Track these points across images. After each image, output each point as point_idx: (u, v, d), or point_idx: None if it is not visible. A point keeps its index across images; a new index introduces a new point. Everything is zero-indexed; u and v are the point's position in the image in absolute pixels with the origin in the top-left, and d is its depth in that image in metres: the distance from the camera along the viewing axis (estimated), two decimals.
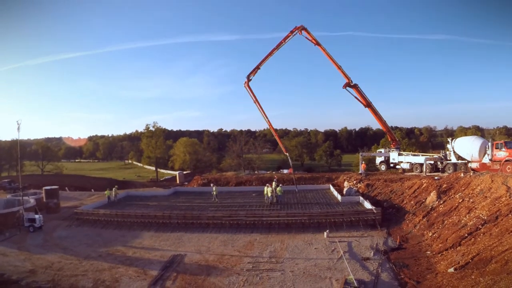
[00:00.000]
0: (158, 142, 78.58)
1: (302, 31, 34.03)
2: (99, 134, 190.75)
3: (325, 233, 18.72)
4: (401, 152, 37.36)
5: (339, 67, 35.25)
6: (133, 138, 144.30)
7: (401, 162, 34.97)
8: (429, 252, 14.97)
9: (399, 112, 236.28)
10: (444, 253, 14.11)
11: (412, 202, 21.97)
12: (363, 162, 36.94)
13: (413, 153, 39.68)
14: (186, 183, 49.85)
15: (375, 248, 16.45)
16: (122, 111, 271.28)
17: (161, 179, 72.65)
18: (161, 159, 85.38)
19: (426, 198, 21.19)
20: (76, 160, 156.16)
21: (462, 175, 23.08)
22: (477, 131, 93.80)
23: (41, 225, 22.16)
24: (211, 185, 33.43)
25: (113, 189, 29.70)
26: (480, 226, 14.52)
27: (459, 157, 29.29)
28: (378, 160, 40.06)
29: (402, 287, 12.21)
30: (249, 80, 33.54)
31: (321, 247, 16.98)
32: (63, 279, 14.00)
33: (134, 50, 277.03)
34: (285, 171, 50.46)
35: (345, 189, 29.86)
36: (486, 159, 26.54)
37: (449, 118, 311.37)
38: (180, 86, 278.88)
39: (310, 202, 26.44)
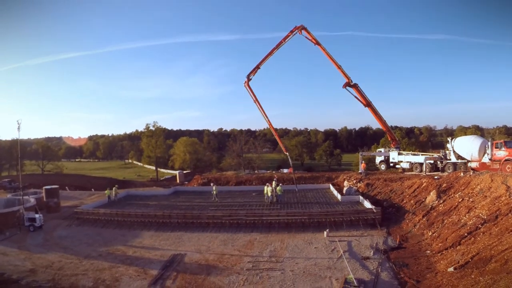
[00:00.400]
0: (158, 142, 78.63)
1: (302, 31, 34.06)
2: (99, 133, 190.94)
3: (325, 232, 18.73)
4: (401, 151, 37.39)
5: (339, 67, 35.29)
6: (133, 138, 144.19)
7: (401, 161, 34.99)
8: (429, 252, 14.99)
9: (399, 112, 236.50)
10: (444, 252, 14.12)
11: (412, 202, 21.98)
12: (363, 161, 36.97)
13: (413, 152, 39.72)
14: (186, 182, 49.82)
15: (375, 247, 16.46)
16: (122, 111, 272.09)
17: (161, 179, 72.67)
18: (161, 159, 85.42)
19: (426, 198, 21.20)
20: (77, 160, 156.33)
21: (461, 174, 23.09)
22: (477, 130, 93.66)
23: (41, 225, 22.18)
24: (211, 184, 33.44)
25: (113, 188, 29.72)
26: (479, 226, 14.53)
27: (458, 157, 29.31)
28: (378, 159, 40.10)
29: (402, 287, 12.22)
30: (249, 79, 33.56)
31: (321, 246, 17.00)
32: (63, 278, 14.02)
33: (134, 50, 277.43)
34: (285, 170, 50.47)
35: (345, 189, 29.87)
36: (485, 159, 26.57)
37: (449, 118, 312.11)
38: (180, 86, 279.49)
39: (310, 201, 26.46)
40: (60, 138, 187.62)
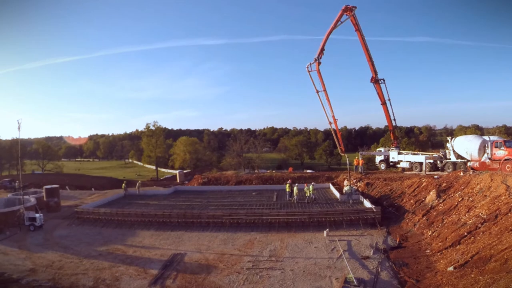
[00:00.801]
0: (159, 141, 78.62)
1: (353, 11, 32.56)
2: (100, 133, 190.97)
3: (325, 232, 18.75)
4: (400, 151, 37.40)
5: (370, 59, 34.59)
6: (134, 137, 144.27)
7: (401, 161, 34.99)
8: (428, 251, 15.00)
9: (398, 111, 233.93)
10: (443, 251, 14.13)
11: (411, 201, 22.00)
12: (358, 157, 36.97)
13: (412, 152, 39.73)
14: (186, 182, 49.80)
15: (374, 247, 16.49)
16: (120, 111, 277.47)
17: (161, 178, 72.68)
18: (161, 158, 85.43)
19: (426, 197, 21.22)
20: (77, 159, 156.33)
21: (461, 174, 23.11)
22: (477, 130, 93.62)
23: (42, 224, 22.18)
24: (289, 181, 28.54)
25: (137, 184, 32.22)
26: (479, 225, 14.55)
27: (458, 156, 29.30)
28: (378, 159, 40.13)
29: (401, 286, 12.23)
30: (319, 62, 32.49)
31: (321, 246, 17.02)
32: (63, 277, 14.04)
33: (126, 53, 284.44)
34: (285, 170, 50.56)
35: (345, 188, 29.86)
36: (485, 158, 26.57)
37: (449, 117, 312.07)
38: (175, 87, 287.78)
39: (310, 200, 26.43)
40: (60, 138, 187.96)
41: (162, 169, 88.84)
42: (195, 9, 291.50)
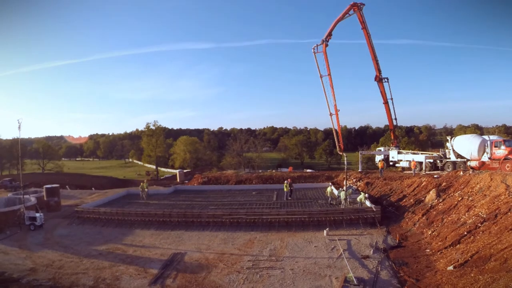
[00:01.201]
0: (159, 141, 78.62)
1: (360, 6, 32.71)
2: (100, 132, 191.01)
3: (325, 231, 18.75)
4: (400, 150, 37.41)
5: (375, 57, 34.64)
6: (134, 137, 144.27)
7: (401, 160, 35.01)
8: (428, 250, 15.01)
9: (398, 111, 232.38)
10: (443, 251, 14.14)
11: (411, 201, 22.01)
12: (381, 160, 36.38)
13: (412, 151, 39.75)
14: (186, 181, 49.83)
15: (374, 246, 16.50)
16: (119, 112, 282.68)
17: (161, 178, 72.71)
18: (161, 158, 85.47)
19: (426, 197, 21.23)
20: (77, 159, 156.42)
21: (461, 173, 23.12)
22: (476, 129, 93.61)
23: (42, 223, 22.19)
24: (331, 185, 28.70)
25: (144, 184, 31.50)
26: (479, 224, 14.56)
27: (458, 156, 29.31)
28: (378, 158, 40.13)
29: (401, 285, 12.24)
30: (326, 44, 32.18)
31: (321, 245, 17.04)
32: (63, 277, 14.05)
33: (119, 57, 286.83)
34: (285, 170, 50.60)
35: (339, 192, 29.78)
36: (485, 158, 26.58)
37: (449, 117, 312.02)
38: (171, 88, 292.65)
39: (310, 200, 26.48)
40: (61, 137, 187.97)
41: (162, 169, 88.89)
42: (182, 15, 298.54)
